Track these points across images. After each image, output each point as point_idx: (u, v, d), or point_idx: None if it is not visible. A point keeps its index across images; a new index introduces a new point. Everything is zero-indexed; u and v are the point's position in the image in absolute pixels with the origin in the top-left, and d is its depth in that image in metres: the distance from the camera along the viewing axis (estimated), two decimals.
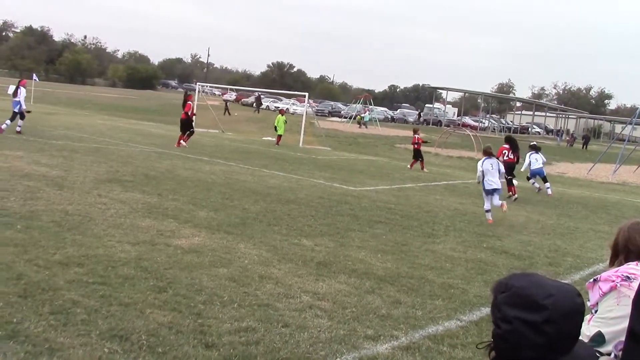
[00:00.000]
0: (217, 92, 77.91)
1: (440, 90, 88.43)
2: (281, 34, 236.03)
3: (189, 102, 24.08)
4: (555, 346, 1.72)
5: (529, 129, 79.05)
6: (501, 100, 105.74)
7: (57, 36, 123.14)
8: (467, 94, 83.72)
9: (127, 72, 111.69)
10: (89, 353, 4.45)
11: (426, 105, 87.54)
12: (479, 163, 12.81)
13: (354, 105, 62.34)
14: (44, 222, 8.17)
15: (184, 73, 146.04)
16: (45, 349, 4.42)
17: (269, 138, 32.89)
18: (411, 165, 23.60)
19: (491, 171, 12.49)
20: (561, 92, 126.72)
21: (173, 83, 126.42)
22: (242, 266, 7.17)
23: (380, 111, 72.09)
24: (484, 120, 75.72)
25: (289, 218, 10.44)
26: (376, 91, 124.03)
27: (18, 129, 19.97)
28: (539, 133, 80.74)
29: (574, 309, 1.74)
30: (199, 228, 8.89)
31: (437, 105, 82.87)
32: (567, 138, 65.05)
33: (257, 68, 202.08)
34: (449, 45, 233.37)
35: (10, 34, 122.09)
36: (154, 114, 45.87)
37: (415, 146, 23.78)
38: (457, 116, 79.86)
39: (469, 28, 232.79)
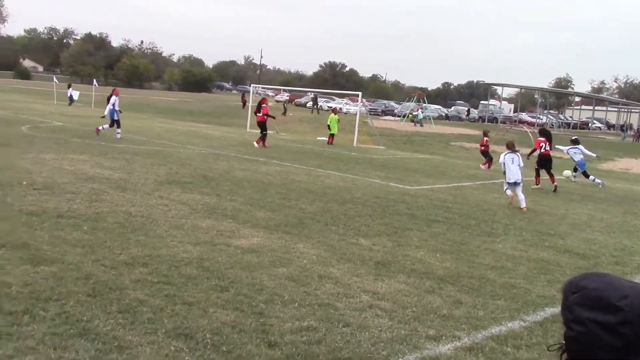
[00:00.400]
0: (270, 94, 78.58)
1: (496, 87, 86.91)
2: (333, 33, 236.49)
3: (264, 105, 25.13)
4: (630, 347, 1.67)
5: (589, 124, 76.85)
6: (559, 95, 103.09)
7: (115, 42, 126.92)
8: (523, 90, 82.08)
9: (183, 76, 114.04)
10: (156, 351, 4.56)
11: (481, 102, 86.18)
12: (501, 156, 13.85)
13: (407, 103, 61.87)
14: (109, 224, 8.42)
15: (237, 75, 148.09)
16: (115, 347, 4.55)
17: (323, 138, 32.97)
18: (487, 166, 23.08)
19: (511, 165, 13.36)
20: (622, 85, 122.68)
21: (227, 85, 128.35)
22: (301, 266, 7.22)
23: (434, 109, 71.36)
24: (541, 116, 73.99)
25: (346, 218, 10.45)
26: (429, 89, 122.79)
27: (100, 128, 21.56)
28: (599, 128, 78.43)
29: None
30: (257, 228, 8.99)
31: (492, 101, 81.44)
32: (632, 133, 62.30)
33: (310, 68, 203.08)
34: (503, 41, 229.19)
35: (71, 41, 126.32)
36: (209, 116, 46.65)
37: (483, 148, 23.68)
38: (514, 112, 78.29)
39: (523, 22, 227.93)
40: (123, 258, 6.83)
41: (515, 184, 13.27)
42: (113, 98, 21.94)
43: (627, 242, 10.55)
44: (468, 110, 74.90)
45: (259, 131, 24.64)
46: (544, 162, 17.39)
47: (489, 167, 23.03)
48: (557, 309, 6.16)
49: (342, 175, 16.41)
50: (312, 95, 65.65)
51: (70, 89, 44.72)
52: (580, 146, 19.76)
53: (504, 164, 13.46)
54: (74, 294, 5.52)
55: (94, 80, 48.68)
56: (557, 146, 20.38)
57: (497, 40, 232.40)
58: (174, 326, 5.05)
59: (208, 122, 40.52)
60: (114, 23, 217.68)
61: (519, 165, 13.35)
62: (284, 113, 50.31)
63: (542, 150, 17.43)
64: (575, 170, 20.12)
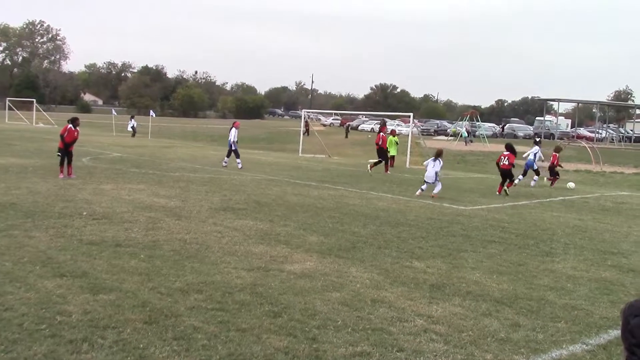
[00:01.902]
0: (321, 118, 79.22)
1: (551, 102, 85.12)
2: (383, 54, 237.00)
3: (381, 133, 25.91)
4: None
5: None
6: (619, 109, 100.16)
7: (171, 73, 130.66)
8: (580, 104, 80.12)
9: (236, 103, 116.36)
10: None
11: (536, 118, 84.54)
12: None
13: (461, 122, 61.23)
14: (165, 251, 8.58)
15: (289, 101, 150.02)
16: None
17: (375, 161, 32.89)
18: (552, 182, 22.44)
19: (431, 169, 16.66)
20: None
21: (279, 111, 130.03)
22: (354, 290, 7.18)
23: (488, 127, 70.36)
24: (600, 131, 71.97)
25: (399, 240, 10.35)
26: (482, 107, 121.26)
27: (224, 164, 23.21)
28: None
29: None
30: (310, 253, 9.01)
31: (548, 117, 79.75)
32: None
33: (361, 91, 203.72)
34: (558, 55, 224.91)
35: (129, 74, 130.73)
36: (262, 142, 47.25)
37: (554, 164, 22.97)
38: (571, 128, 76.40)
39: (578, 35, 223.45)
40: (178, 285, 6.94)
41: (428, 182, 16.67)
42: (232, 130, 23.34)
43: None
44: (502, 127, 71.58)
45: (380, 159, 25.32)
46: (503, 175, 18.17)
47: (552, 184, 22.24)
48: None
49: (395, 197, 16.31)
50: (381, 120, 64.44)
51: (133, 120, 46.05)
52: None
53: (426, 165, 17.02)
54: (131, 322, 5.64)
55: (151, 111, 50.10)
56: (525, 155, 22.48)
57: (551, 54, 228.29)
58: (227, 352, 5.08)
59: (261, 148, 41.03)
60: (169, 54, 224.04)
61: (436, 171, 16.60)
62: (347, 134, 52.15)
63: (502, 163, 18.16)
64: (537, 173, 21.88)
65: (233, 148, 23.13)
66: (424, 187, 16.85)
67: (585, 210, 15.94)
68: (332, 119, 77.57)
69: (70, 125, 17.05)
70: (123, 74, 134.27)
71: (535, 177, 21.85)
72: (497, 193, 18.14)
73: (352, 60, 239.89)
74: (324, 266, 8.25)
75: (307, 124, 55.89)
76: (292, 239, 9.94)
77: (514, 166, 18.10)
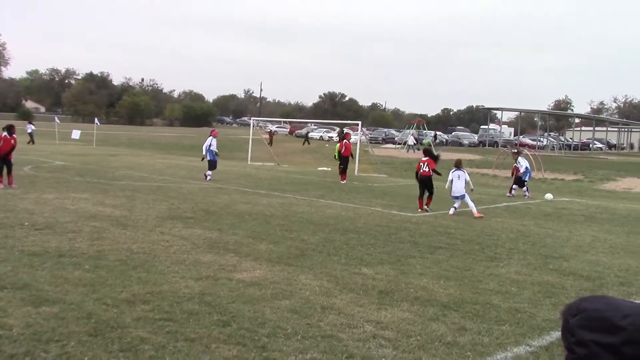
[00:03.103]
0: (269, 125, 79.04)
1: (495, 111, 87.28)
2: (332, 64, 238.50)
3: (344, 141, 25.63)
4: None
5: (590, 145, 76.95)
6: (559, 117, 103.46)
7: (116, 80, 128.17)
8: (522, 113, 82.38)
9: (184, 111, 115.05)
10: None
11: (481, 126, 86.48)
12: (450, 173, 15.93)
13: (407, 130, 62.07)
14: (111, 261, 8.41)
15: (238, 109, 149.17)
16: None
17: (324, 168, 33.04)
18: (510, 191, 22.02)
19: (457, 181, 15.50)
20: (622, 105, 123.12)
21: (228, 119, 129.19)
22: (303, 297, 7.18)
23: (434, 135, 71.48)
24: (542, 139, 74.16)
25: (348, 247, 10.42)
26: (429, 115, 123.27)
27: (208, 178, 21.56)
28: (600, 149, 78.48)
29: None
30: (259, 261, 8.97)
31: (492, 126, 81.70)
32: None
33: (309, 99, 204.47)
34: (502, 65, 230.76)
35: (73, 81, 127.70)
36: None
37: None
38: (514, 136, 78.45)
39: (521, 47, 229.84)
40: (125, 296, 6.80)
41: (457, 198, 15.57)
42: (209, 139, 22.13)
43: (631, 262, 10.49)
44: (434, 136, 67.25)
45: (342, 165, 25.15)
46: (422, 183, 16.42)
47: (510, 192, 21.93)
48: None
49: (344, 205, 16.41)
50: (339, 130, 62.72)
51: (31, 125, 43.07)
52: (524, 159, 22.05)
53: (452, 180, 15.67)
54: (75, 334, 5.50)
55: (96, 118, 49.04)
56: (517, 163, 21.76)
57: (495, 65, 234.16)
58: None
59: None
60: (115, 60, 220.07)
61: (465, 180, 15.58)
62: (305, 142, 52.15)
63: (422, 171, 16.46)
64: (523, 185, 21.49)
65: (210, 158, 21.88)
66: (456, 204, 15.60)
67: (528, 216, 16.37)
68: (277, 127, 77.46)
69: (5, 134, 16.46)
70: (67, 81, 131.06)
71: (523, 188, 21.36)
72: (419, 210, 15.97)
73: (301, 68, 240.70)
74: (273, 274, 8.23)
75: (270, 134, 55.86)
76: (241, 248, 9.89)
77: (437, 172, 16.67)
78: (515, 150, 24.44)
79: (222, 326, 5.97)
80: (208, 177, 21.56)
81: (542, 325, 6.64)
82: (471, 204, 15.48)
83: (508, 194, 21.68)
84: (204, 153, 22.18)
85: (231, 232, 11.22)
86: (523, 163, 21.61)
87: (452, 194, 15.77)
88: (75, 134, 43.64)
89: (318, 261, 9.21)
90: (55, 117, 53.60)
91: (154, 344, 5.38)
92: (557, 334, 6.28)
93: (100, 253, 8.89)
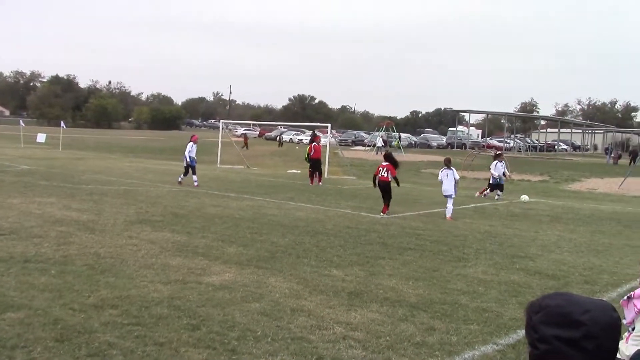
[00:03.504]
0: (238, 128, 78.71)
1: (463, 113, 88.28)
2: (301, 67, 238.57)
3: (314, 143, 25.42)
4: None
5: (556, 147, 78.31)
6: (525, 120, 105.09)
7: (83, 83, 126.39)
8: (490, 115, 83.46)
9: (152, 114, 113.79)
10: None
11: (449, 128, 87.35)
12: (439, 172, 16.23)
13: (377, 133, 62.36)
14: (78, 266, 8.30)
15: (207, 111, 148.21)
16: None
17: (294, 171, 33.04)
18: (483, 192, 22.13)
19: (446, 180, 15.62)
20: (586, 107, 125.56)
21: (197, 122, 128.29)
22: (273, 300, 7.18)
23: (404, 137, 72.05)
24: (509, 141, 75.23)
25: (318, 249, 10.45)
26: (398, 117, 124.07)
27: (196, 183, 20.95)
28: (565, 150, 79.90)
29: (612, 324, 1.73)
30: (229, 264, 8.94)
31: (460, 128, 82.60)
32: (613, 155, 58.09)
33: (279, 102, 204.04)
34: (469, 68, 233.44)
35: (38, 84, 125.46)
36: (179, 154, 46.28)
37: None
38: (482, 138, 79.45)
39: (489, 49, 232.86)
40: (92, 301, 6.72)
41: (448, 196, 15.56)
42: (189, 145, 21.56)
43: (595, 261, 10.72)
44: (385, 142, 58.76)
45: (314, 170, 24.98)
46: (381, 188, 15.76)
47: (482, 193, 22.12)
48: None
49: (314, 207, 16.43)
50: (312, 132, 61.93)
51: None
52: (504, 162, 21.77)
53: (440, 179, 15.96)
54: (41, 340, 5.42)
55: (62, 122, 48.27)
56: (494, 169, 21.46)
57: (462, 68, 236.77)
58: None
59: (178, 160, 40.31)
60: (81, 63, 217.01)
61: (455, 178, 15.63)
62: (280, 144, 52.23)
63: (380, 175, 15.73)
64: (501, 189, 21.41)
65: (191, 164, 21.23)
66: (449, 204, 15.55)
67: (495, 216, 16.61)
68: (245, 129, 77.14)
69: None
70: (32, 84, 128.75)
71: (499, 192, 21.33)
72: (381, 213, 15.50)
73: (271, 71, 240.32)
74: (243, 277, 8.21)
75: (245, 137, 55.49)
76: (211, 251, 9.84)
77: (396, 180, 15.95)
78: (499, 153, 24.38)
79: (191, 330, 5.95)
80: (180, 178, 21.42)
81: (509, 324, 6.75)
82: (450, 207, 15.53)
83: (496, 197, 21.33)
84: (187, 159, 21.47)
85: (200, 236, 11.16)
86: (501, 168, 21.33)
87: (443, 193, 15.84)
88: (41, 137, 42.90)
89: (288, 263, 9.21)
90: (20, 121, 52.62)
91: (123, 349, 5.33)
92: (523, 333, 6.39)
93: (66, 258, 8.77)
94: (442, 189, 15.79)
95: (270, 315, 6.58)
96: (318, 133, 31.60)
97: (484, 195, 21.85)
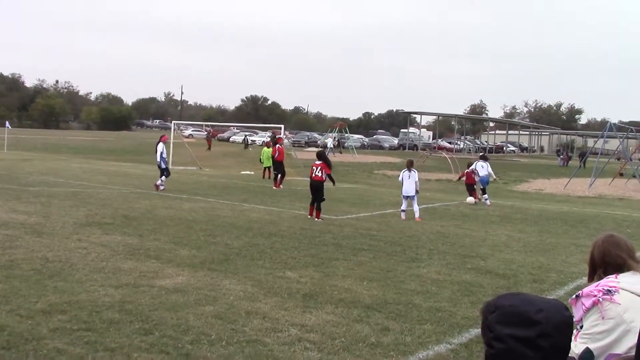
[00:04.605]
0: (188, 129, 77.63)
1: (414, 115, 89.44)
2: (253, 68, 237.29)
3: (277, 145, 25.01)
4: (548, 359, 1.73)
5: (504, 148, 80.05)
6: (475, 121, 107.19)
7: (29, 82, 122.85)
8: (440, 117, 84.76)
9: (101, 114, 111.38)
10: None
11: (401, 130, 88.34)
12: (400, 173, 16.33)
13: (330, 134, 62.57)
14: (24, 271, 8.06)
15: (158, 112, 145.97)
16: None
17: (247, 172, 32.85)
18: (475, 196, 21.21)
19: (407, 180, 15.76)
20: (532, 109, 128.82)
21: (148, 122, 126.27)
22: (227, 303, 7.12)
23: (357, 139, 72.50)
24: (459, 142, 76.54)
25: (272, 251, 10.41)
26: (351, 119, 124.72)
27: (162, 187, 19.75)
28: (513, 151, 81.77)
29: (565, 322, 1.77)
30: (182, 267, 8.83)
31: (412, 129, 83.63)
32: (562, 157, 58.25)
33: (232, 103, 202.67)
34: (420, 71, 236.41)
35: None
36: (130, 154, 45.64)
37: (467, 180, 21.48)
38: (433, 139, 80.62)
39: (440, 53, 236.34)
40: (40, 306, 6.53)
41: (408, 197, 15.79)
42: (160, 146, 20.20)
43: (543, 260, 10.99)
44: (325, 145, 54.68)
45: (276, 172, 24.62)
46: (314, 188, 15.13)
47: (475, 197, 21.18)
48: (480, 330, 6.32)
49: (268, 209, 16.38)
50: (272, 134, 58.83)
51: None
52: (488, 163, 21.40)
53: (401, 180, 16.03)
54: None
55: (7, 122, 46.82)
56: (477, 169, 21.03)
57: (415, 70, 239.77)
58: None
59: (129, 161, 39.64)
60: (27, 63, 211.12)
61: (415, 180, 15.78)
62: (247, 147, 51.78)
63: (314, 175, 15.18)
64: (483, 192, 20.94)
65: (162, 166, 20.07)
66: (404, 206, 15.82)
67: (446, 217, 16.86)
68: (192, 130, 76.23)
69: None
70: None
71: (486, 196, 20.76)
72: (310, 217, 14.91)
73: (223, 71, 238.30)
74: (196, 280, 8.12)
75: (209, 139, 54.52)
76: (163, 254, 9.69)
77: (331, 178, 15.56)
78: (483, 154, 23.92)
79: (144, 334, 5.84)
80: (161, 187, 19.70)
81: (462, 323, 6.85)
82: (416, 208, 15.67)
83: (476, 201, 20.67)
84: (158, 160, 20.26)
85: (152, 238, 10.98)
86: (483, 170, 20.96)
87: (402, 193, 15.94)
88: None
89: (242, 266, 9.15)
90: None
91: (72, 356, 5.19)
92: (476, 331, 6.50)
93: (13, 262, 8.50)
94: (403, 189, 15.87)
95: (225, 318, 6.52)
96: (280, 135, 31.25)
97: (478, 199, 20.94)
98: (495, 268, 10.04)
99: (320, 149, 24.95)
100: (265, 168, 28.70)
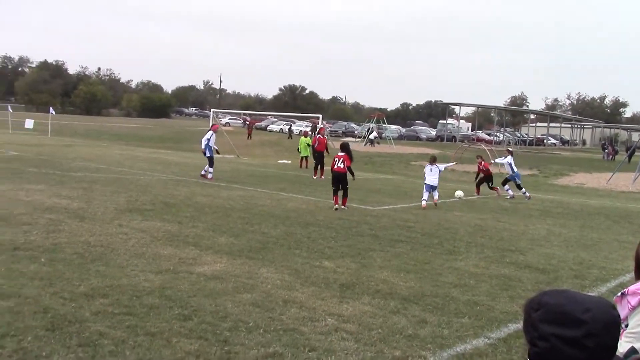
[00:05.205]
0: (225, 117, 78.14)
1: (453, 106, 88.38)
2: (292, 57, 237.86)
3: (318, 135, 24.98)
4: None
5: (545, 141, 78.64)
6: (515, 113, 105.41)
7: (72, 69, 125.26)
8: (480, 109, 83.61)
9: (142, 102, 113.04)
10: None
11: (439, 121, 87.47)
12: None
13: (367, 124, 62.34)
14: (68, 255, 8.24)
15: (197, 100, 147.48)
16: None
17: (285, 161, 32.98)
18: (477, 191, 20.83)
19: (430, 174, 16.62)
20: (575, 102, 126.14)
21: (187, 110, 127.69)
22: (265, 291, 7.17)
23: (394, 129, 72.11)
24: (498, 134, 75.42)
25: (309, 240, 10.43)
26: (389, 109, 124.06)
27: (203, 172, 20.20)
28: (554, 144, 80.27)
29: (612, 321, 1.73)
30: (220, 254, 8.91)
31: (450, 121, 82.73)
32: (608, 150, 56.22)
33: (270, 92, 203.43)
34: (460, 61, 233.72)
35: (26, 69, 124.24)
36: (169, 142, 46.28)
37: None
38: (471, 131, 79.63)
39: (478, 43, 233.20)
40: (82, 290, 6.68)
41: (431, 187, 16.61)
42: (209, 133, 20.63)
43: (584, 256, 10.78)
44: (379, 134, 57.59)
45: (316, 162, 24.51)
46: (337, 179, 15.16)
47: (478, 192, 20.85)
48: (520, 325, 6.23)
49: (305, 198, 16.42)
50: (312, 125, 55.91)
51: None
52: (509, 158, 20.74)
53: (424, 172, 17.00)
54: (31, 329, 5.37)
55: (51, 108, 47.86)
56: (495, 160, 20.83)
57: (454, 60, 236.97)
58: (136, 358, 4.95)
59: (168, 148, 40.21)
60: (70, 50, 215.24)
61: (439, 171, 16.79)
62: (290, 136, 52.87)
63: (336, 167, 15.23)
64: (505, 182, 20.47)
65: (208, 154, 20.35)
66: (425, 196, 16.42)
67: (485, 210, 16.67)
68: (229, 119, 76.67)
69: None
70: (20, 69, 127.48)
71: (509, 190, 20.19)
72: (334, 206, 14.82)
73: (262, 60, 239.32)
74: (234, 267, 8.19)
75: (249, 128, 54.50)
76: (202, 241, 9.80)
77: (351, 171, 15.51)
78: (509, 149, 22.95)
79: (183, 320, 5.92)
80: (210, 175, 19.96)
81: (500, 318, 6.77)
82: (436, 194, 16.57)
83: (509, 197, 20.02)
84: (202, 148, 20.59)
85: (191, 225, 11.11)
86: (507, 163, 20.43)
87: (427, 183, 16.64)
88: (29, 123, 42.59)
89: (279, 254, 9.20)
90: (8, 106, 52.16)
91: (114, 339, 5.30)
92: (514, 326, 6.42)
93: (56, 246, 8.70)
94: (426, 180, 16.63)
95: (262, 306, 6.56)
96: (321, 124, 30.94)
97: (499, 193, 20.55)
98: (535, 262, 9.89)
99: (345, 141, 23.83)
100: (302, 157, 28.70)
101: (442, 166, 17.28)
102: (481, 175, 20.99)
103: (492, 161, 21.32)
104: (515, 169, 20.47)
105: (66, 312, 5.88)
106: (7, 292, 6.39)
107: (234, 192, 16.54)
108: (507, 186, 20.42)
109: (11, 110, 48.00)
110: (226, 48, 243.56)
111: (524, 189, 20.42)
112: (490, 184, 20.59)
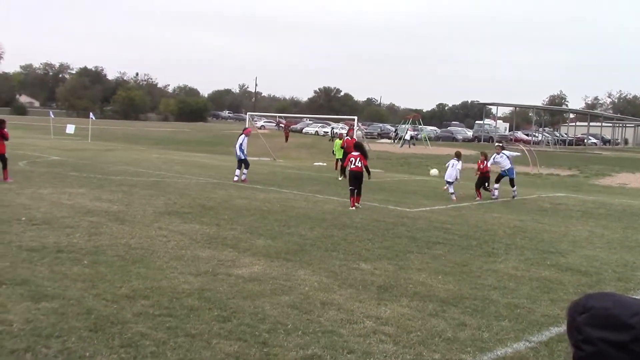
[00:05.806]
0: (260, 120, 78.51)
1: (490, 106, 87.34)
2: (327, 59, 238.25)
3: (347, 137, 24.79)
4: None
5: (585, 140, 77.13)
6: (553, 113, 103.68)
7: (111, 75, 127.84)
8: (517, 108, 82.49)
9: (178, 106, 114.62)
10: None
11: (476, 122, 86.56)
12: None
13: (403, 125, 61.99)
14: (109, 257, 8.39)
15: (233, 103, 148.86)
16: None
17: (320, 163, 33.04)
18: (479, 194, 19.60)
19: (451, 168, 18.15)
20: (616, 100, 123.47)
21: (223, 114, 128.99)
22: (303, 293, 7.19)
23: (430, 130, 71.55)
24: (537, 134, 74.23)
25: (346, 243, 10.43)
26: (424, 110, 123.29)
27: (236, 178, 20.17)
28: (595, 144, 78.67)
29: None
30: (258, 256, 8.97)
31: (487, 121, 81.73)
32: None
33: (305, 94, 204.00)
34: (496, 61, 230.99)
35: (67, 76, 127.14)
36: (206, 146, 46.75)
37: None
38: (509, 131, 78.54)
39: (514, 43, 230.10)
40: (124, 291, 6.79)
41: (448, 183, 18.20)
42: (241, 137, 20.63)
43: (629, 258, 10.53)
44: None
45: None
46: (354, 178, 15.21)
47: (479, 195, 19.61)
48: (562, 329, 6.13)
49: (341, 200, 16.41)
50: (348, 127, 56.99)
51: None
52: (506, 151, 19.75)
53: (446, 166, 18.62)
54: (75, 330, 5.49)
55: (91, 113, 48.87)
56: (491, 162, 19.51)
57: (490, 60, 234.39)
58: (177, 359, 5.02)
59: (205, 152, 40.62)
60: (109, 55, 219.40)
61: (457, 169, 18.19)
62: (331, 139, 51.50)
63: (352, 166, 15.28)
64: (498, 179, 19.40)
65: (243, 157, 20.27)
66: (451, 189, 18.25)
67: (524, 211, 16.41)
68: (264, 122, 77.02)
69: None
70: (60, 75, 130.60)
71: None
72: (351, 207, 14.84)
73: (296, 63, 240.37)
74: (272, 269, 8.23)
75: (286, 130, 54.62)
76: (239, 243, 9.88)
77: (367, 169, 15.58)
78: (500, 144, 22.06)
79: (222, 322, 5.97)
80: (244, 176, 20.08)
81: (541, 321, 6.66)
82: (451, 189, 18.06)
83: (492, 197, 19.16)
84: (238, 152, 20.49)
85: (229, 228, 11.21)
86: (504, 160, 19.42)
87: (445, 178, 18.49)
88: (70, 128, 43.54)
89: (316, 256, 9.21)
90: (50, 112, 53.41)
91: (155, 340, 5.37)
92: (556, 330, 6.31)
93: (98, 248, 8.87)
94: (446, 174, 18.39)
95: (300, 308, 6.58)
96: (348, 126, 30.71)
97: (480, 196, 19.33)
98: (577, 265, 9.70)
99: (359, 140, 22.71)
100: (337, 159, 28.72)
101: (460, 165, 18.41)
102: (478, 174, 19.63)
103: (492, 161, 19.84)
104: (511, 164, 19.47)
105: (108, 314, 5.99)
106: (51, 293, 6.54)
107: (270, 195, 16.63)
108: (497, 185, 19.27)
109: (53, 116, 49.16)
110: (262, 51, 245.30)
111: (515, 188, 19.48)
112: (487, 184, 19.38)
